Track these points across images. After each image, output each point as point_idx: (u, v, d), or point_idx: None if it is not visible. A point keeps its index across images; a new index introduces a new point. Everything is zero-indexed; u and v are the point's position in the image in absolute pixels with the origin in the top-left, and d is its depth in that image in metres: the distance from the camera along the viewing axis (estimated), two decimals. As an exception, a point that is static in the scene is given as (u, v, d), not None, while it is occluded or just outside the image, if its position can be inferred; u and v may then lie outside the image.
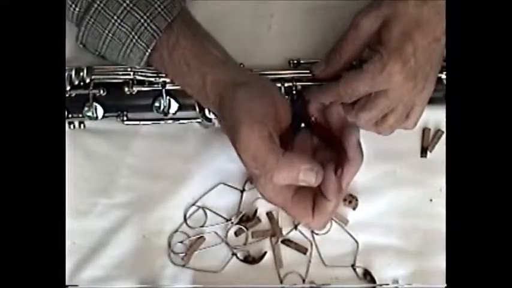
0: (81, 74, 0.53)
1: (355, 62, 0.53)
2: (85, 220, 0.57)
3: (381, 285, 0.58)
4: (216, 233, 0.58)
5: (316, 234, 0.58)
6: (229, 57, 0.52)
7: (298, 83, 0.54)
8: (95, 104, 0.53)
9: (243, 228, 0.58)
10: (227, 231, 0.58)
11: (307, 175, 0.45)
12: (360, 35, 0.51)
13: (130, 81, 0.53)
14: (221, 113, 0.49)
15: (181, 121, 0.55)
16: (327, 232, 0.58)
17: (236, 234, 0.58)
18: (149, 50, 0.50)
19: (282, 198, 0.47)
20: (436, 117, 0.58)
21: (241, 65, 0.54)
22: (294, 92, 0.54)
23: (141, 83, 0.53)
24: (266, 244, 0.58)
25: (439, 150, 0.59)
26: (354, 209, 0.58)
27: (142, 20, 0.49)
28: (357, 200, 0.58)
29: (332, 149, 0.48)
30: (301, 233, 0.58)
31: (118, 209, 0.57)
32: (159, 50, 0.50)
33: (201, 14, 0.54)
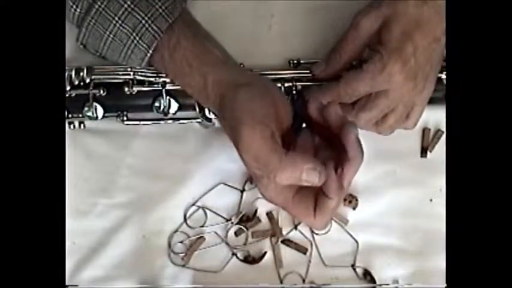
0: (81, 74, 0.53)
1: (355, 62, 0.53)
2: (85, 220, 0.57)
3: (381, 285, 0.58)
4: (216, 233, 0.58)
5: (316, 234, 0.58)
6: (230, 57, 0.52)
7: (298, 83, 0.54)
8: (95, 104, 0.53)
9: (243, 228, 0.58)
10: (227, 231, 0.58)
11: (310, 175, 0.45)
12: (360, 35, 0.51)
13: (130, 81, 0.53)
14: (222, 113, 0.49)
15: (181, 121, 0.55)
16: (327, 232, 0.58)
17: (236, 234, 0.58)
18: (150, 51, 0.50)
19: (284, 198, 0.48)
20: (436, 117, 0.58)
21: (242, 65, 0.54)
22: (294, 92, 0.54)
23: (141, 83, 0.53)
24: (266, 244, 0.58)
25: (439, 150, 0.59)
26: (354, 209, 0.58)
27: (143, 21, 0.49)
28: (357, 200, 0.58)
29: (333, 148, 0.48)
30: (301, 233, 0.58)
31: (118, 209, 0.57)
32: (160, 51, 0.50)
33: (202, 14, 0.54)
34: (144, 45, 0.50)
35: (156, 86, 0.53)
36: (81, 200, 0.57)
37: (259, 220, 0.58)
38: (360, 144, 0.45)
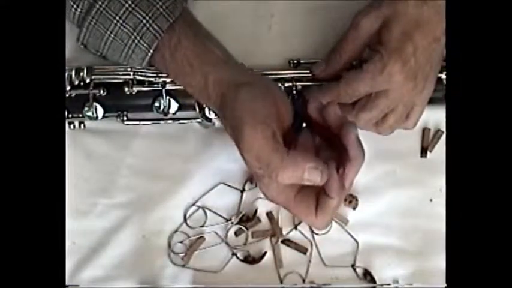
0: (81, 74, 0.53)
1: (355, 62, 0.53)
2: (85, 220, 0.57)
3: (381, 285, 0.58)
4: (216, 233, 0.58)
5: (316, 234, 0.58)
6: (231, 56, 0.52)
7: (298, 83, 0.54)
8: (95, 104, 0.53)
9: (243, 228, 0.58)
10: (227, 231, 0.58)
11: (312, 174, 0.45)
12: (360, 35, 0.51)
13: (131, 81, 0.53)
14: (223, 112, 0.49)
15: (181, 121, 0.55)
16: (327, 232, 0.58)
17: (236, 234, 0.58)
18: (151, 51, 0.50)
19: (285, 197, 0.47)
20: (436, 117, 0.58)
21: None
22: (294, 92, 0.54)
23: (141, 83, 0.53)
24: (266, 244, 0.58)
25: (439, 150, 0.59)
26: (354, 209, 0.58)
27: (144, 21, 0.49)
28: (357, 200, 0.58)
29: (333, 148, 0.48)
30: (301, 233, 0.58)
31: (118, 209, 0.57)
32: (161, 51, 0.50)
33: (202, 14, 0.54)
34: (145, 44, 0.50)
35: (156, 86, 0.53)
36: (81, 200, 0.57)
37: (259, 220, 0.58)
38: (361, 144, 0.45)
